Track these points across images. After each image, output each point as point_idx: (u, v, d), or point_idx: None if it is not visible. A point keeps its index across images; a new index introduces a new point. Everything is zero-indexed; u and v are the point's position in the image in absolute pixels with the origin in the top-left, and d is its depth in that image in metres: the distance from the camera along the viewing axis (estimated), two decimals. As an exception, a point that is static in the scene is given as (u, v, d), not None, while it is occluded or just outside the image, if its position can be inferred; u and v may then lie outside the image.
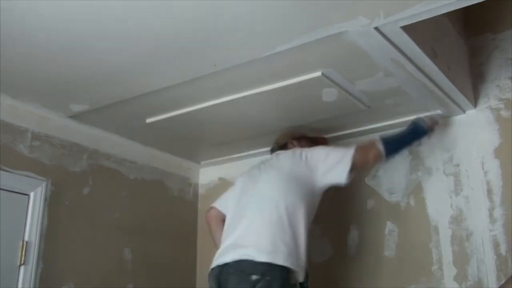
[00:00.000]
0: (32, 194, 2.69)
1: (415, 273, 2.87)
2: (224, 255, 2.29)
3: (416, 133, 2.73)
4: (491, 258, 2.69)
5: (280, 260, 2.20)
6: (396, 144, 2.65)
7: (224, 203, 2.63)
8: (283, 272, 2.19)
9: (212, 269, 2.33)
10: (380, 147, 2.54)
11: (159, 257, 3.30)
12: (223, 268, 2.26)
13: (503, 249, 2.67)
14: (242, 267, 2.20)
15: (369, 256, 3.05)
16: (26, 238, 2.62)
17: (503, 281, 2.53)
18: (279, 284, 2.16)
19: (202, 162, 3.74)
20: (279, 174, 2.45)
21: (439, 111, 2.85)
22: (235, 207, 2.48)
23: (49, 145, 2.83)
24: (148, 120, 2.94)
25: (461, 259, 2.77)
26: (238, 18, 1.99)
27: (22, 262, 2.57)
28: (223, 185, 3.52)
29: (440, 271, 2.81)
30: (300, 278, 2.29)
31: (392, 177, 3.09)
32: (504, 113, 2.84)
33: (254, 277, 2.15)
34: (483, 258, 2.71)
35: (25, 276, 2.57)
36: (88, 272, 2.89)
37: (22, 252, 2.58)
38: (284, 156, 2.58)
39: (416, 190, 3.00)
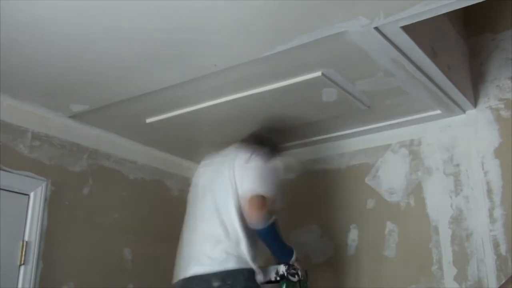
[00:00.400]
0: (32, 194, 2.69)
1: (415, 273, 2.87)
2: (184, 270, 2.41)
3: (285, 252, 2.48)
4: (491, 258, 2.69)
5: (236, 264, 2.28)
6: (278, 237, 2.43)
7: None
8: (243, 275, 2.28)
9: (176, 282, 2.43)
10: (271, 220, 2.34)
11: (159, 257, 3.29)
12: (187, 280, 2.37)
13: (503, 249, 2.67)
14: (203, 278, 2.31)
15: (369, 256, 3.05)
16: (26, 238, 2.62)
17: (503, 281, 2.53)
18: (242, 286, 2.25)
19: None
20: None
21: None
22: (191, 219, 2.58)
23: (49, 145, 2.83)
24: (148, 120, 2.94)
25: (461, 259, 2.77)
26: (238, 18, 1.99)
27: (22, 262, 2.57)
28: (223, 185, 3.52)
29: (440, 271, 2.81)
30: (259, 278, 2.33)
31: (392, 177, 3.10)
32: (504, 113, 2.84)
33: (215, 284, 2.26)
34: (483, 258, 2.71)
35: (25, 276, 2.57)
36: (88, 272, 2.89)
37: (22, 252, 2.58)
38: None
39: (416, 190, 3.00)
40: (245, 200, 2.35)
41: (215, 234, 2.36)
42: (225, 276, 2.27)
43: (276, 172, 2.49)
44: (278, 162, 2.58)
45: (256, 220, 2.32)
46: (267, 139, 2.69)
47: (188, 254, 2.45)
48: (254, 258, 2.35)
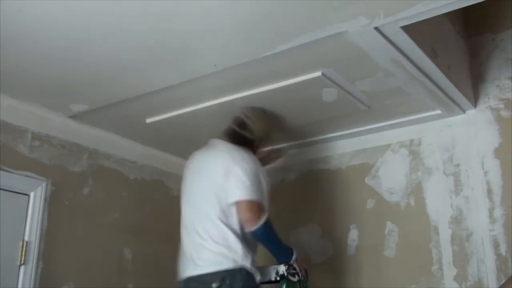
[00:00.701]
0: (32, 194, 2.69)
1: (415, 273, 2.87)
2: (185, 270, 2.44)
3: (284, 252, 2.47)
4: (491, 258, 2.69)
5: (233, 263, 2.30)
6: (274, 236, 2.43)
7: None
8: (241, 274, 2.29)
9: (179, 282, 2.46)
10: (263, 220, 2.35)
11: (159, 257, 3.30)
12: (188, 281, 2.40)
13: (503, 249, 2.67)
14: (202, 279, 2.33)
15: (369, 256, 3.05)
16: (26, 238, 2.62)
17: (503, 281, 2.53)
18: (240, 285, 2.27)
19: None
20: None
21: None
22: (185, 221, 2.56)
23: (49, 145, 2.83)
24: (148, 120, 2.94)
25: (461, 259, 2.77)
26: (238, 18, 1.99)
27: (22, 262, 2.57)
28: (223, 185, 3.52)
29: (440, 271, 2.81)
30: (257, 278, 2.34)
31: (392, 177, 3.10)
32: (504, 113, 2.84)
33: (214, 285, 2.28)
34: (483, 258, 2.71)
35: (25, 276, 2.57)
36: (88, 272, 2.89)
37: (22, 252, 2.58)
38: None
39: (416, 190, 3.00)
40: (234, 206, 2.37)
41: (209, 236, 2.37)
42: (223, 276, 2.28)
43: (259, 173, 2.46)
44: (258, 163, 2.53)
45: (247, 224, 2.35)
46: (248, 138, 2.62)
47: (186, 254, 2.46)
48: (251, 258, 2.35)
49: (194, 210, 2.48)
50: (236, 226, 2.38)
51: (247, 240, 2.39)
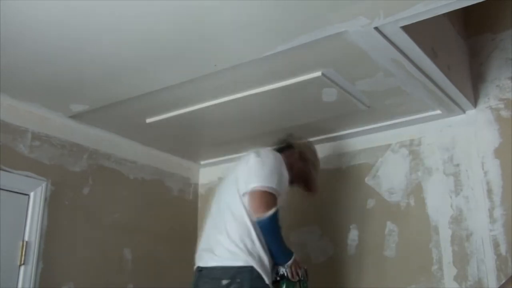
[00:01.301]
0: (32, 194, 2.69)
1: (415, 273, 2.87)
2: (199, 260, 2.43)
3: (282, 253, 2.41)
4: (491, 258, 2.69)
5: (246, 261, 2.27)
6: (277, 233, 2.38)
7: None
8: (253, 273, 2.27)
9: (194, 272, 2.45)
10: (271, 212, 2.31)
11: (159, 257, 3.30)
12: (200, 273, 2.38)
13: (503, 249, 2.67)
14: (213, 273, 2.32)
15: (369, 256, 3.05)
16: (26, 238, 2.62)
17: (503, 281, 2.53)
18: (250, 285, 2.24)
19: (202, 162, 3.74)
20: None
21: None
22: (211, 214, 2.56)
23: (49, 145, 2.83)
24: (148, 120, 2.94)
25: (461, 259, 2.77)
26: (238, 18, 1.99)
27: (22, 262, 2.57)
28: (223, 185, 3.52)
29: (440, 271, 2.81)
30: (267, 279, 2.30)
31: (392, 177, 3.10)
32: (504, 113, 2.84)
33: (224, 281, 2.26)
34: (483, 258, 2.71)
35: (25, 276, 2.57)
36: (88, 272, 2.89)
37: (22, 252, 2.58)
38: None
39: (416, 190, 3.00)
40: (246, 197, 2.36)
41: (226, 231, 2.35)
42: (234, 274, 2.26)
43: (280, 169, 2.45)
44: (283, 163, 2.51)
45: (255, 212, 2.32)
46: (282, 139, 2.74)
47: (203, 245, 2.46)
48: (265, 260, 2.31)
49: (218, 204, 2.49)
50: (255, 224, 2.33)
51: (263, 241, 2.35)
